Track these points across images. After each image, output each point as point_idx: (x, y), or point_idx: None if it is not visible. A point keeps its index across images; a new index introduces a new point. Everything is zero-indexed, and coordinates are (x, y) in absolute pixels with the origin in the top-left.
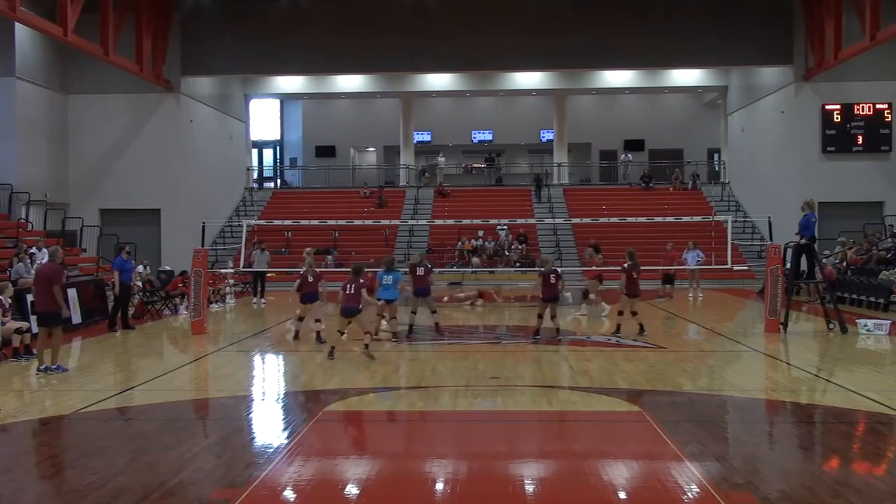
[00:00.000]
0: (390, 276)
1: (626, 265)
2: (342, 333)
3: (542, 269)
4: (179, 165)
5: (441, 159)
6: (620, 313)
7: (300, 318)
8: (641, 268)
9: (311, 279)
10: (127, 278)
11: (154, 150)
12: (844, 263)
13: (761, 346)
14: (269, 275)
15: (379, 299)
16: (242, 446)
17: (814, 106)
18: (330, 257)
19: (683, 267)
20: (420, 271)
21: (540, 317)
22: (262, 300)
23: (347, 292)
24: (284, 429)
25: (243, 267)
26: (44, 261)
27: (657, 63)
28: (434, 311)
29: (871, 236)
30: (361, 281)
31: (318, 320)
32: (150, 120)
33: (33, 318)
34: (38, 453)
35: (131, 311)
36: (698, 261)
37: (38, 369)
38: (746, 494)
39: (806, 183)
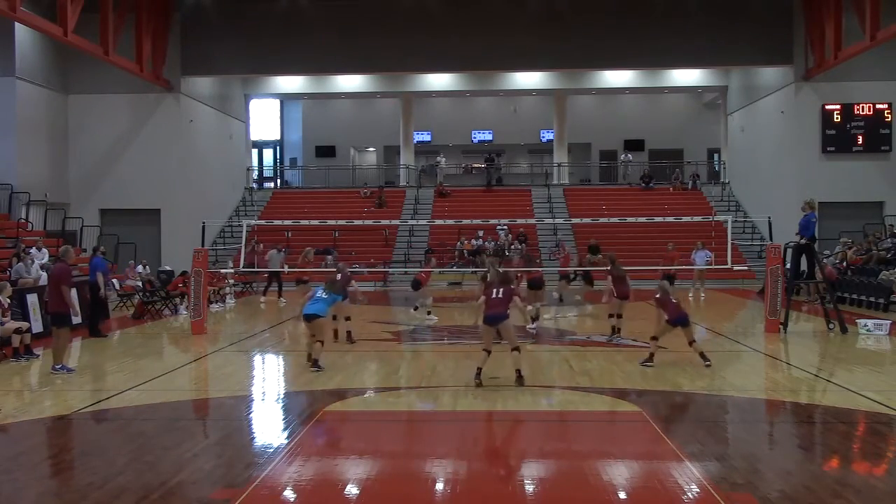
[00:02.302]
0: (325, 294)
1: (608, 269)
2: (489, 352)
3: (611, 269)
4: (179, 165)
5: (441, 159)
6: (611, 316)
7: (333, 317)
8: (641, 268)
9: (338, 278)
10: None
11: (154, 150)
12: (844, 263)
13: (761, 346)
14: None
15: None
16: (242, 446)
17: (814, 106)
18: (330, 258)
19: (685, 267)
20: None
21: (611, 316)
22: (282, 299)
23: (495, 296)
24: (284, 429)
25: (243, 266)
26: (43, 261)
27: (657, 63)
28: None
29: (871, 236)
30: (512, 287)
31: (347, 318)
32: (150, 120)
33: (34, 318)
34: (38, 453)
35: (131, 311)
36: (707, 260)
37: (54, 367)
38: (746, 495)
39: (806, 183)
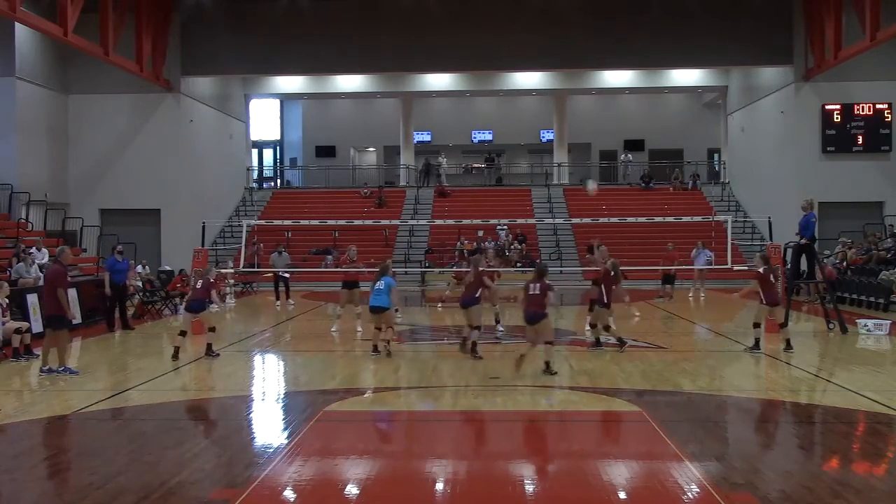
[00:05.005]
0: (382, 282)
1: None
2: (533, 344)
3: (604, 266)
4: (179, 165)
5: (442, 160)
6: (756, 325)
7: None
8: (641, 268)
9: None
10: (120, 279)
11: (154, 150)
12: (844, 263)
13: (761, 346)
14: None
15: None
16: (242, 446)
17: (814, 106)
18: (329, 257)
19: (686, 267)
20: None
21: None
22: (291, 301)
23: (531, 293)
24: (284, 429)
25: (244, 266)
26: (43, 261)
27: (657, 63)
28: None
29: (871, 236)
30: (547, 282)
31: (211, 329)
32: (150, 120)
33: (34, 318)
34: (38, 453)
35: (131, 311)
36: (707, 260)
37: (41, 370)
38: (746, 494)
39: (806, 183)
